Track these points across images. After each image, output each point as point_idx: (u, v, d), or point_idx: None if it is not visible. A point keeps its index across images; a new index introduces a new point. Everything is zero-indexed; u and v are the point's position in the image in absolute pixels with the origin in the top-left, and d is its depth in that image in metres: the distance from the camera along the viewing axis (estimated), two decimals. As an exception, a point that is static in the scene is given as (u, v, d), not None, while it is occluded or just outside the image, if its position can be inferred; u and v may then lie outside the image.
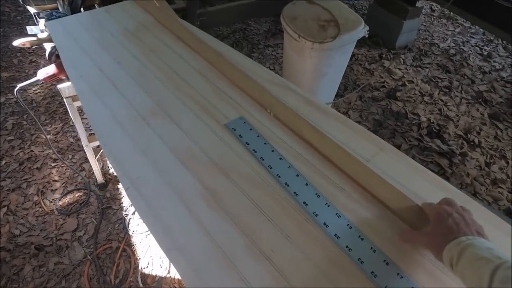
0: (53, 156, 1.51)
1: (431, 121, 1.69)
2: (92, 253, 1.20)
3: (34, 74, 0.95)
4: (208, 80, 0.75)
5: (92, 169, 1.43)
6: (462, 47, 2.27)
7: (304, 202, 0.52)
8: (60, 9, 1.09)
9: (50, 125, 1.67)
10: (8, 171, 1.45)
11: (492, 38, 2.40)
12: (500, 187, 1.39)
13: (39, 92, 1.85)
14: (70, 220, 1.29)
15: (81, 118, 1.14)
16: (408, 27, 2.14)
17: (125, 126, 0.63)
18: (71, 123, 1.69)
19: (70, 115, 1.17)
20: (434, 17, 2.64)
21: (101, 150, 1.27)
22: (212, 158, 0.58)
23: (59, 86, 0.99)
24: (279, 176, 0.56)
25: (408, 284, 0.44)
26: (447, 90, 1.90)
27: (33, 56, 2.10)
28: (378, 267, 0.45)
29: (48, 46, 1.02)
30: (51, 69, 0.99)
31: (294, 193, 0.53)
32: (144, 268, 1.17)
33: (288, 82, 0.75)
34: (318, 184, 0.55)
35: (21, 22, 2.43)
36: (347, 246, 0.47)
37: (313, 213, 0.51)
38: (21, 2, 1.10)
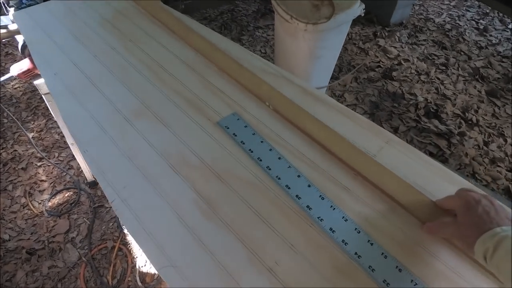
0: (39, 155, 1.44)
1: (428, 100, 1.65)
2: (87, 254, 1.16)
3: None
4: (196, 73, 0.69)
5: (80, 167, 1.37)
6: (457, 22, 2.21)
7: (308, 206, 0.48)
8: (30, -4, 1.00)
9: (32, 122, 1.59)
10: (-8, 174, 1.39)
11: (487, 11, 2.33)
12: (499, 166, 1.38)
13: (18, 87, 1.75)
14: (62, 221, 1.25)
15: (63, 116, 1.07)
16: (403, 3, 2.05)
17: (107, 129, 0.58)
18: (55, 119, 1.61)
19: (52, 113, 1.10)
20: (429, -9, 2.55)
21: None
22: (205, 161, 0.54)
23: (36, 82, 0.92)
24: (279, 178, 0.51)
25: (423, 292, 0.41)
26: (444, 68, 1.85)
27: (9, 48, 1.97)
28: (390, 275, 0.42)
29: (20, 39, 0.93)
30: (25, 64, 0.91)
31: (296, 196, 0.49)
32: (142, 266, 1.14)
33: (283, 71, 0.69)
34: (321, 185, 0.51)
35: (-7, 11, 2.27)
36: (356, 253, 0.44)
37: (318, 217, 0.47)
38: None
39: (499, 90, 1.71)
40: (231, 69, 0.68)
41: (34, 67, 0.91)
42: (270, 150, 0.55)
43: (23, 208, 1.29)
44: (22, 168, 1.40)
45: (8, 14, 1.05)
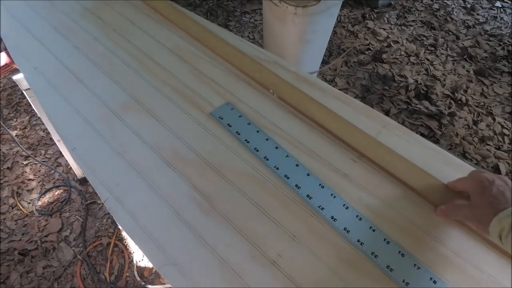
0: (24, 153, 1.39)
1: (419, 82, 1.65)
2: (82, 252, 1.14)
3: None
4: (186, 62, 0.66)
5: (69, 164, 1.33)
6: (445, 1, 2.20)
7: (308, 195, 0.47)
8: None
9: (15, 119, 1.53)
10: (-25, 175, 1.33)
11: (474, -11, 2.32)
12: (488, 144, 1.40)
13: (-3, 83, 1.67)
14: (53, 220, 1.22)
15: (47, 112, 1.03)
16: (391, -17, 2.02)
17: (94, 125, 0.55)
18: (38, 115, 1.55)
19: (34, 109, 1.05)
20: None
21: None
22: (201, 154, 0.52)
23: (15, 77, 0.87)
24: (277, 168, 0.50)
25: (426, 275, 0.41)
26: (433, 49, 1.85)
27: (-17, 42, 1.86)
28: (393, 260, 0.42)
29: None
30: (2, 58, 0.86)
31: (296, 185, 0.48)
32: (139, 261, 1.13)
33: (276, 57, 0.67)
34: (321, 173, 0.50)
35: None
36: (358, 240, 0.44)
37: (319, 206, 0.46)
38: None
39: (487, 69, 1.72)
40: (229, 55, 0.65)
41: (12, 61, 0.86)
42: (267, 139, 0.53)
43: (12, 208, 1.25)
44: (8, 168, 1.36)
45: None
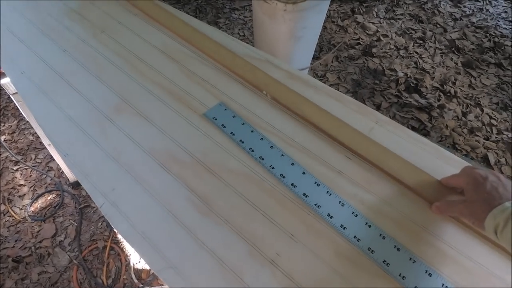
0: (14, 158, 1.36)
1: (408, 75, 1.67)
2: (78, 256, 1.13)
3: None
4: (176, 62, 0.65)
5: (61, 168, 1.31)
6: (432, -6, 2.21)
7: (304, 194, 0.48)
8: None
9: (3, 124, 1.49)
10: (-36, 182, 1.30)
11: (460, -19, 2.34)
12: (477, 135, 1.43)
13: (-18, 87, 1.62)
14: (47, 225, 1.20)
15: (36, 116, 1.00)
16: (379, -23, 2.03)
17: (86, 129, 0.54)
18: (27, 119, 1.52)
19: (23, 113, 1.03)
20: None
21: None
22: (195, 155, 0.52)
23: (1, 81, 0.85)
24: (273, 168, 0.50)
25: (422, 268, 0.42)
26: (421, 42, 1.87)
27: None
28: (389, 255, 0.43)
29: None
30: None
31: (292, 184, 0.49)
32: (136, 263, 1.13)
33: (268, 55, 0.67)
34: (316, 171, 0.50)
35: None
36: (355, 237, 0.44)
37: (315, 204, 0.47)
38: None
39: (474, 61, 1.75)
40: (221, 57, 0.65)
41: (-3, 65, 0.84)
42: (262, 139, 0.53)
43: (4, 215, 1.23)
44: (-3, 174, 1.33)
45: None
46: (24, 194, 1.28)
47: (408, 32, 1.93)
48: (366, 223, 0.46)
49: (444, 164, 0.52)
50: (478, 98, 1.58)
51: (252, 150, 0.52)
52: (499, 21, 2.03)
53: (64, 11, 0.75)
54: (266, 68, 0.64)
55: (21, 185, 1.31)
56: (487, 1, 2.18)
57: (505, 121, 1.49)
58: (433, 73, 1.69)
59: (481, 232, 0.43)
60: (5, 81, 0.84)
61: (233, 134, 0.54)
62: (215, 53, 0.65)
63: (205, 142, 0.53)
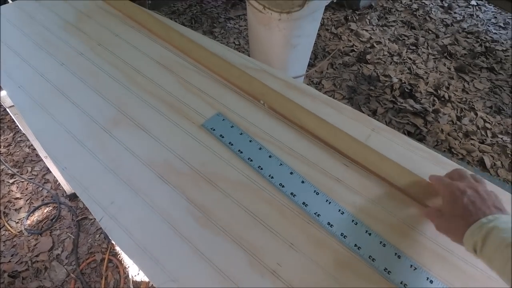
0: (9, 171, 1.35)
1: (403, 81, 1.69)
2: (75, 269, 1.11)
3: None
4: (173, 73, 0.66)
5: (57, 180, 1.30)
6: (423, 1, 2.26)
7: (304, 203, 0.48)
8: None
9: (-2, 137, 1.48)
10: (-41, 196, 1.29)
11: (450, -12, 2.40)
12: (472, 139, 1.45)
13: (-23, 100, 1.62)
14: (43, 239, 1.18)
15: (32, 129, 1.00)
16: (371, -15, 2.07)
17: (84, 142, 0.54)
18: (23, 131, 1.51)
19: (19, 125, 1.03)
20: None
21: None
22: (194, 166, 0.52)
23: (-2, 95, 0.85)
24: (272, 177, 0.50)
25: (423, 275, 0.42)
26: (414, 48, 1.90)
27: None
28: (390, 263, 0.43)
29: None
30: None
31: (291, 194, 0.49)
32: (135, 275, 1.11)
33: (264, 65, 0.68)
34: (314, 179, 0.51)
35: None
36: (355, 245, 0.44)
37: (315, 213, 0.47)
38: None
39: (466, 66, 1.78)
40: (218, 67, 0.65)
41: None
42: (260, 149, 0.54)
43: (0, 229, 1.21)
44: (-7, 187, 1.31)
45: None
46: (21, 207, 1.27)
47: (401, 39, 1.96)
48: (366, 231, 0.46)
49: (441, 169, 0.52)
50: (472, 102, 1.61)
51: (251, 160, 0.52)
52: (489, 26, 2.07)
53: (60, 24, 0.76)
54: (263, 77, 0.65)
55: (17, 198, 1.30)
56: (477, 7, 2.22)
57: (499, 124, 1.51)
58: (427, 78, 1.72)
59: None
60: (1, 94, 0.84)
61: (232, 144, 0.54)
62: (211, 64, 0.66)
63: (203, 153, 0.53)
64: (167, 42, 0.72)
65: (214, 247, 0.44)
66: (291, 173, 0.51)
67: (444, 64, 1.80)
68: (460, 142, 1.44)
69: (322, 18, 2.08)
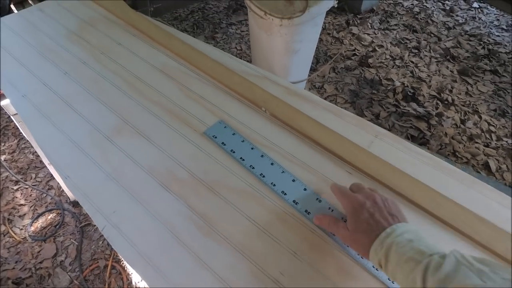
0: (14, 178, 1.36)
1: (405, 84, 1.69)
2: (79, 276, 1.11)
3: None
4: (175, 81, 0.66)
5: (61, 186, 1.31)
6: (425, 4, 2.26)
7: (306, 211, 0.48)
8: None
9: (3, 144, 1.50)
10: (-36, 203, 1.30)
11: (452, -9, 2.40)
12: (477, 142, 1.44)
13: (-17, 107, 1.64)
14: (47, 245, 1.19)
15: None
16: (372, -11, 2.08)
17: (87, 151, 0.54)
18: (27, 138, 1.53)
19: (23, 133, 1.04)
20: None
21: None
22: (196, 174, 0.52)
23: (2, 103, 0.85)
24: (274, 185, 0.50)
25: None
26: (416, 51, 1.90)
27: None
28: (394, 271, 0.42)
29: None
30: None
31: (294, 201, 0.48)
32: (138, 282, 1.11)
33: (265, 71, 0.68)
34: (316, 187, 0.50)
35: None
36: (359, 254, 0.44)
37: (317, 221, 0.47)
38: None
39: (469, 69, 1.77)
40: (219, 75, 0.65)
41: (-2, 88, 0.85)
42: (262, 156, 0.54)
43: (4, 236, 1.21)
44: (-3, 194, 1.32)
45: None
46: (25, 214, 1.27)
47: (403, 42, 1.96)
48: (369, 239, 0.45)
49: (444, 175, 0.52)
50: (476, 105, 1.60)
51: (253, 168, 0.52)
52: (491, 28, 2.06)
53: (64, 33, 0.77)
54: (264, 84, 0.65)
55: (21, 204, 1.30)
56: (479, 10, 2.22)
57: (504, 127, 1.50)
58: (430, 81, 1.71)
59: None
60: (6, 102, 0.85)
61: (233, 152, 0.54)
62: (213, 71, 0.66)
63: (205, 161, 0.53)
64: (169, 50, 0.72)
65: (216, 256, 0.43)
66: (293, 180, 0.51)
67: (447, 67, 1.80)
68: (464, 145, 1.43)
69: (324, 23, 2.08)
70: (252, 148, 0.55)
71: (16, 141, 1.50)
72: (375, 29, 2.05)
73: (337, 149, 0.54)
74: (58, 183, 1.31)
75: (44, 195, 1.32)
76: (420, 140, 1.45)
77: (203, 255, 0.43)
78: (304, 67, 1.50)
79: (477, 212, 0.46)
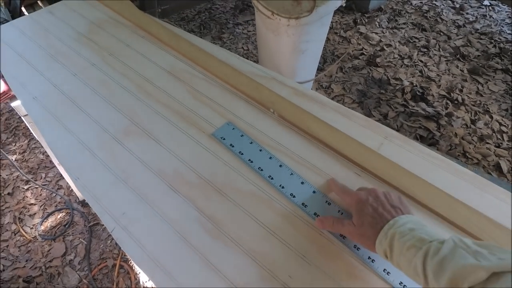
0: (24, 178, 1.38)
1: (414, 84, 1.67)
2: (88, 275, 1.13)
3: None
4: (183, 82, 0.66)
5: (70, 186, 1.33)
6: (434, 2, 2.23)
7: (315, 213, 0.47)
8: (-3, 15, 0.94)
9: (14, 144, 1.52)
10: (-24, 203, 1.32)
11: (462, -11, 2.36)
12: (488, 143, 1.41)
13: (-6, 108, 1.67)
14: (57, 244, 1.20)
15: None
16: (380, -12, 2.05)
17: (96, 152, 0.55)
18: (37, 138, 1.55)
19: (33, 133, 1.05)
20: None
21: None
22: (204, 176, 0.52)
23: (13, 104, 0.87)
24: (283, 187, 0.50)
25: None
26: (426, 50, 1.87)
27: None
28: (404, 278, 0.42)
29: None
30: (0, 86, 0.86)
31: (303, 204, 0.48)
32: (145, 281, 1.12)
33: (273, 72, 0.68)
34: (326, 189, 0.50)
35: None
36: (369, 257, 0.43)
37: (326, 224, 0.46)
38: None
39: (480, 68, 1.74)
40: (227, 76, 0.65)
41: (10, 88, 0.86)
42: (270, 158, 0.53)
43: (15, 235, 1.24)
44: (9, 194, 1.35)
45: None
46: (35, 213, 1.29)
47: (411, 41, 1.93)
48: (380, 242, 0.45)
49: (456, 178, 0.51)
50: (487, 105, 1.57)
51: (261, 169, 0.52)
52: (503, 26, 2.02)
53: (73, 35, 0.78)
54: (272, 85, 0.64)
55: (31, 204, 1.32)
56: (490, 7, 2.18)
57: (515, 128, 1.47)
58: (439, 81, 1.68)
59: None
60: (17, 103, 0.86)
61: (242, 154, 0.54)
62: (220, 73, 0.66)
63: (213, 163, 0.53)
64: (176, 51, 0.72)
65: (225, 258, 0.43)
66: (302, 182, 0.50)
67: (457, 66, 1.77)
68: (475, 146, 1.41)
69: (331, 22, 2.07)
70: (260, 150, 0.54)
71: (26, 141, 1.53)
72: (383, 28, 2.03)
73: (346, 150, 0.53)
74: (68, 183, 1.33)
75: (54, 194, 1.34)
76: (430, 141, 1.43)
77: (212, 257, 0.43)
78: (312, 67, 1.49)
79: (491, 216, 0.45)
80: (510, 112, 1.53)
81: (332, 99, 1.64)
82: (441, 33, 1.98)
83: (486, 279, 0.27)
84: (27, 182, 1.38)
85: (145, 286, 1.11)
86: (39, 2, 1.13)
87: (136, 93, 0.64)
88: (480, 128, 1.46)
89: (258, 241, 0.45)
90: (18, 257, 1.18)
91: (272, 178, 0.51)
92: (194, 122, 0.59)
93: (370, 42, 1.93)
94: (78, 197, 1.31)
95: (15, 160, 1.45)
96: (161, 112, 0.61)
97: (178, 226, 0.46)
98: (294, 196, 0.49)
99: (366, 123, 0.58)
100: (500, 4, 2.19)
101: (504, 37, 1.93)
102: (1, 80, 0.86)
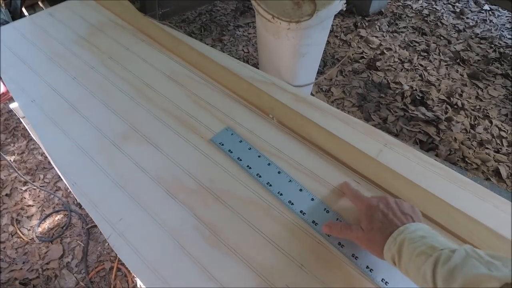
0: (22, 179, 1.38)
1: (414, 88, 1.67)
2: (85, 278, 1.12)
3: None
4: (183, 87, 0.66)
5: (68, 188, 1.32)
6: (434, 6, 2.23)
7: (313, 221, 0.47)
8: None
9: (12, 144, 1.52)
10: (-26, 204, 1.32)
11: (462, -7, 2.36)
12: (487, 148, 1.41)
13: (-7, 108, 1.66)
14: (54, 246, 1.20)
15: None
16: (381, -9, 2.06)
17: (94, 157, 0.54)
18: (36, 139, 1.54)
19: (31, 134, 1.05)
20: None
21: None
22: (202, 182, 0.51)
23: (12, 106, 0.86)
24: (281, 194, 0.50)
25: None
26: (426, 54, 1.87)
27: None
28: (405, 285, 0.41)
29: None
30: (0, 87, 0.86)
31: (301, 211, 0.48)
32: (142, 285, 1.11)
33: (273, 78, 0.67)
34: (324, 197, 0.49)
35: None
36: (367, 267, 0.43)
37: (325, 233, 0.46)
38: None
39: (480, 72, 1.74)
40: (226, 81, 0.65)
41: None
42: (269, 164, 0.53)
43: (12, 236, 1.23)
44: (6, 195, 1.34)
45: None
46: (32, 215, 1.29)
47: (411, 45, 1.94)
48: (378, 251, 0.44)
49: (455, 186, 0.51)
50: (486, 109, 1.57)
51: (260, 176, 0.52)
52: (503, 31, 2.02)
53: (72, 38, 0.77)
54: (272, 91, 0.64)
55: (29, 205, 1.32)
56: (491, 12, 2.18)
57: (515, 133, 1.47)
58: (439, 85, 1.68)
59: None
60: (16, 105, 0.85)
61: (240, 160, 0.54)
62: (220, 78, 0.66)
63: (212, 168, 0.53)
64: (176, 55, 0.72)
65: (222, 267, 0.43)
66: (301, 190, 0.50)
67: (457, 71, 1.77)
68: (474, 151, 1.40)
69: (331, 25, 2.07)
70: (259, 156, 0.54)
71: (25, 142, 1.52)
72: (383, 31, 2.03)
73: (346, 158, 0.53)
74: (66, 184, 1.32)
75: (52, 196, 1.34)
76: (429, 145, 1.43)
77: (209, 266, 0.43)
78: (312, 70, 1.49)
79: (490, 226, 0.45)
80: (510, 117, 1.53)
81: (332, 102, 1.64)
82: (441, 37, 1.98)
83: None
84: (25, 183, 1.38)
85: (143, 289, 1.10)
86: (39, 3, 1.13)
87: (136, 98, 0.64)
88: (480, 133, 1.46)
89: (255, 249, 0.44)
90: (15, 259, 1.17)
91: (270, 185, 0.50)
92: (193, 127, 0.59)
93: (370, 45, 1.93)
94: (76, 199, 1.31)
95: (14, 161, 1.45)
96: (160, 117, 0.60)
97: (175, 233, 0.46)
98: (292, 204, 0.48)
99: (365, 130, 0.58)
100: (500, 9, 2.19)
101: (504, 42, 1.94)
102: (1, 82, 0.85)
